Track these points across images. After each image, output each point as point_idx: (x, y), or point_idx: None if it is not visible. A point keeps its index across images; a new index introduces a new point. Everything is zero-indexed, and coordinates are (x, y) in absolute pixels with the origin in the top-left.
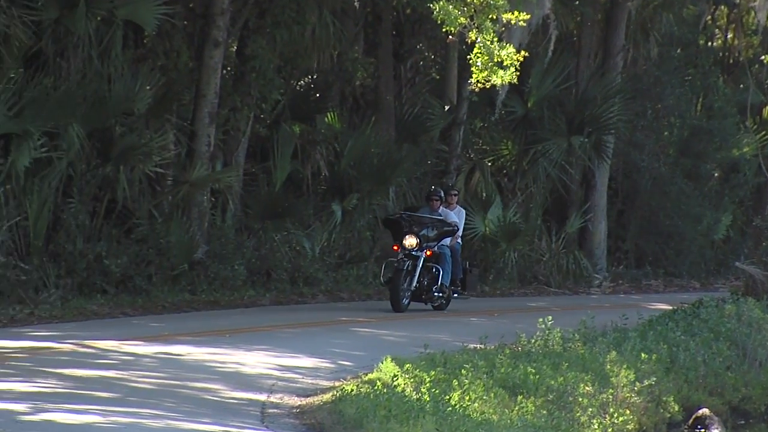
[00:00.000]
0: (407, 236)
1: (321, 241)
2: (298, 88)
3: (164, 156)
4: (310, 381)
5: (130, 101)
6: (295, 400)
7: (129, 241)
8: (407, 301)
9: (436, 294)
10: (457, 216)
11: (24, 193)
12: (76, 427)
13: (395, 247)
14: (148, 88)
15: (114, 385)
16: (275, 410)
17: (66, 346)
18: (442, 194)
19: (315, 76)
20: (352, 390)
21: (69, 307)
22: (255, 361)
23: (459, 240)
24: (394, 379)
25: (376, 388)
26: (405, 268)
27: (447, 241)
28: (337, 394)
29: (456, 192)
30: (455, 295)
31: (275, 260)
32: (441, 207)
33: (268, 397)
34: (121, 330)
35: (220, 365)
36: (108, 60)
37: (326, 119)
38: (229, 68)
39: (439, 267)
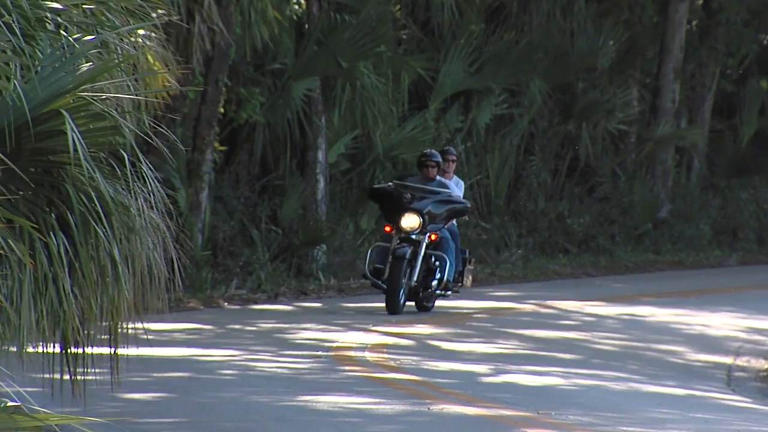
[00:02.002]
0: (406, 213)
1: None
2: (765, 42)
3: (627, 113)
4: None
5: (593, 56)
6: (762, 363)
7: (591, 199)
8: (404, 299)
9: (438, 292)
10: (456, 188)
11: (485, 151)
12: (538, 389)
13: (388, 228)
14: (611, 43)
15: (576, 346)
16: (741, 373)
17: (527, 307)
18: (440, 159)
19: None
20: None
21: (530, 267)
22: (720, 322)
23: (454, 221)
24: None
25: None
26: (406, 255)
27: None
28: None
29: (455, 157)
30: (448, 292)
31: (742, 219)
32: (437, 176)
33: (733, 359)
34: (583, 290)
35: (684, 327)
36: (571, 14)
37: None
38: (694, 22)
39: (442, 255)
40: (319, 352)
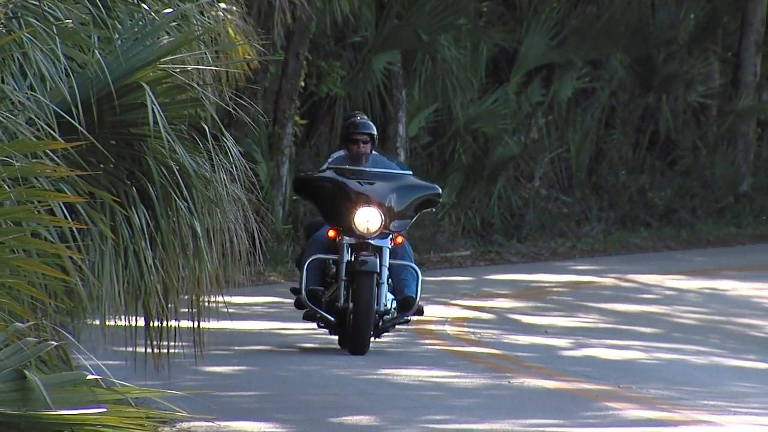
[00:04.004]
0: (361, 209)
1: None
2: None
3: (708, 86)
4: None
5: (673, 29)
6: None
7: (672, 173)
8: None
9: (406, 317)
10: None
11: (566, 125)
12: (618, 363)
13: (332, 233)
14: (691, 16)
15: (657, 320)
16: None
17: (608, 281)
18: (375, 132)
19: None
20: None
21: (611, 241)
22: None
23: None
24: None
25: None
26: (376, 269)
27: None
28: None
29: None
30: (416, 316)
31: None
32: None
33: None
34: (664, 264)
35: (766, 300)
36: None
37: None
38: None
39: (409, 266)
40: (400, 326)
